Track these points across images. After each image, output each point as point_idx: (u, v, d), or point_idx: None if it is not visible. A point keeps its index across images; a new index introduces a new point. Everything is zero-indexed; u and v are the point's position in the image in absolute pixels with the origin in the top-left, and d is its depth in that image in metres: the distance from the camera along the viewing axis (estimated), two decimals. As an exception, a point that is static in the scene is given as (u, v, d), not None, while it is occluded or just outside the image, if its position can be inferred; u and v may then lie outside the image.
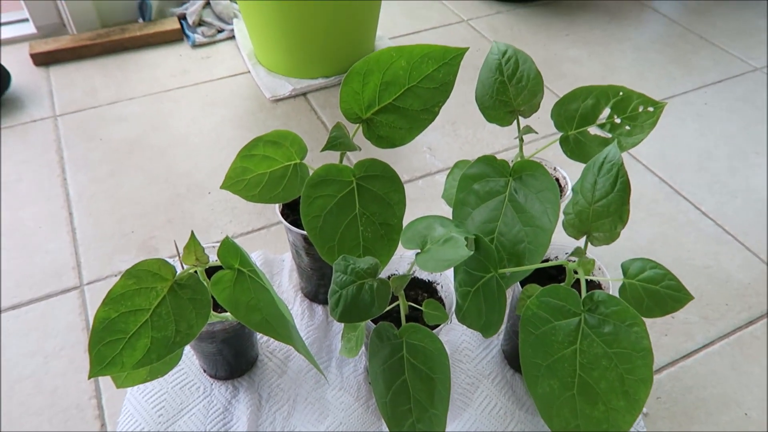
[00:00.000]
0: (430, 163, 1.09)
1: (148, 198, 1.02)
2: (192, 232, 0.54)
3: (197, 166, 1.09)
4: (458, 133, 1.16)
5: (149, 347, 0.52)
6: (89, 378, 0.51)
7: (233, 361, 0.74)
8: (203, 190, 1.04)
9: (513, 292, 0.73)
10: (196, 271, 0.56)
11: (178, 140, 1.14)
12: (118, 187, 1.04)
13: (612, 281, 0.63)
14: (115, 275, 0.91)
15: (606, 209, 0.54)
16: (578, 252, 0.56)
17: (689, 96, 1.27)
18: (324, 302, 0.85)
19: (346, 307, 0.53)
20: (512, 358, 0.77)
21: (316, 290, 0.84)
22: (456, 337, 0.79)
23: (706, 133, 1.16)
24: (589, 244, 0.57)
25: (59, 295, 0.87)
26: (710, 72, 1.34)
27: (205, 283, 0.56)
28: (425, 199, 1.02)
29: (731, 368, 0.78)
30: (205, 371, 0.76)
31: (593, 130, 0.69)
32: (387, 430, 0.70)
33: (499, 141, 1.14)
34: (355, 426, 0.70)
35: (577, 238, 0.57)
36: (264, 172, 0.67)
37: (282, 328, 0.56)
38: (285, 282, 0.88)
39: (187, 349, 0.77)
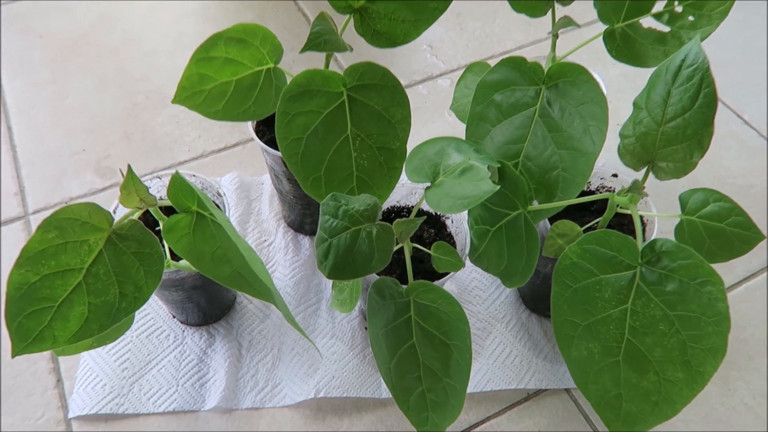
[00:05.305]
0: (431, 63, 0.94)
1: (99, 108, 0.88)
2: (129, 166, 0.41)
3: (156, 68, 0.93)
4: (464, 27, 0.99)
5: (87, 316, 0.41)
6: (12, 357, 0.40)
7: (207, 307, 0.63)
8: (165, 97, 0.88)
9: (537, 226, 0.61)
10: (148, 215, 0.43)
11: (132, 37, 0.97)
12: (63, 95, 0.89)
13: (664, 218, 0.51)
14: (66, 202, 0.78)
15: (681, 131, 0.40)
16: (635, 186, 0.44)
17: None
18: (311, 233, 0.73)
19: (338, 260, 0.41)
20: (528, 298, 0.67)
21: (301, 220, 0.72)
22: (465, 274, 0.69)
23: (750, 25, 1.00)
24: (648, 176, 0.45)
25: (1, 227, 0.74)
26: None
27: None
28: (427, 110, 0.87)
29: (773, 303, 0.69)
30: (174, 317, 0.66)
31: (647, 21, 0.55)
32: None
33: (513, 37, 0.97)
34: (350, 379, 0.61)
35: (636, 168, 0.45)
36: (228, 80, 0.53)
37: (259, 283, 0.45)
38: (265, 210, 0.75)
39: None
